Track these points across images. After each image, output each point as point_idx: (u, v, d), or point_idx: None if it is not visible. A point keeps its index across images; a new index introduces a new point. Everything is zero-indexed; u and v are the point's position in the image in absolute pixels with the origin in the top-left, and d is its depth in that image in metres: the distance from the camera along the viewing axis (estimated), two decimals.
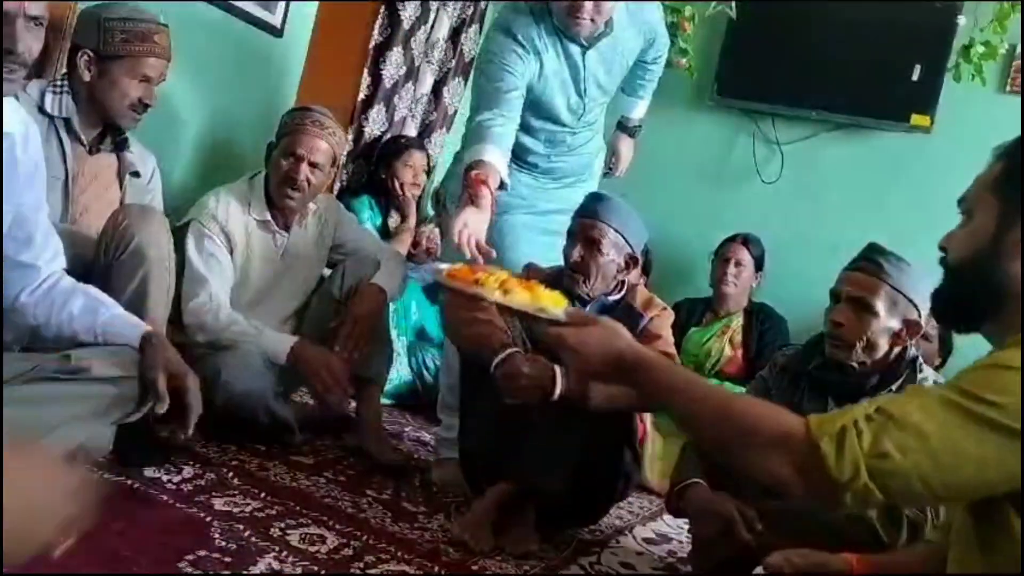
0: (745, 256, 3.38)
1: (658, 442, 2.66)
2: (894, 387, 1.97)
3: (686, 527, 2.18)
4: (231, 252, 2.43)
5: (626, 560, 2.18)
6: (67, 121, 2.15)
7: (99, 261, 2.03)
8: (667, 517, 2.50)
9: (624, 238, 2.25)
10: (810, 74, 3.70)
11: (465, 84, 4.11)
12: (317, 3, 3.33)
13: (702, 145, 3.98)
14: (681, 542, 2.40)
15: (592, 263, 2.25)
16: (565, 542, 2.15)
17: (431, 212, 3.77)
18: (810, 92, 3.70)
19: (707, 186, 3.95)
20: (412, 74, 3.77)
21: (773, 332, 3.29)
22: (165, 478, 1.97)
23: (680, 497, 1.93)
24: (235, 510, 1.88)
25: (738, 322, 3.34)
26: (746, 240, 3.42)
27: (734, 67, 3.82)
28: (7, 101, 1.61)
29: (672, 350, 2.24)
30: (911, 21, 3.54)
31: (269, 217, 2.48)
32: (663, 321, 2.29)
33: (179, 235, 2.39)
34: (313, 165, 2.44)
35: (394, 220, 3.50)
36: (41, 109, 2.12)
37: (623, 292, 2.32)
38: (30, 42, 1.48)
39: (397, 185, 3.50)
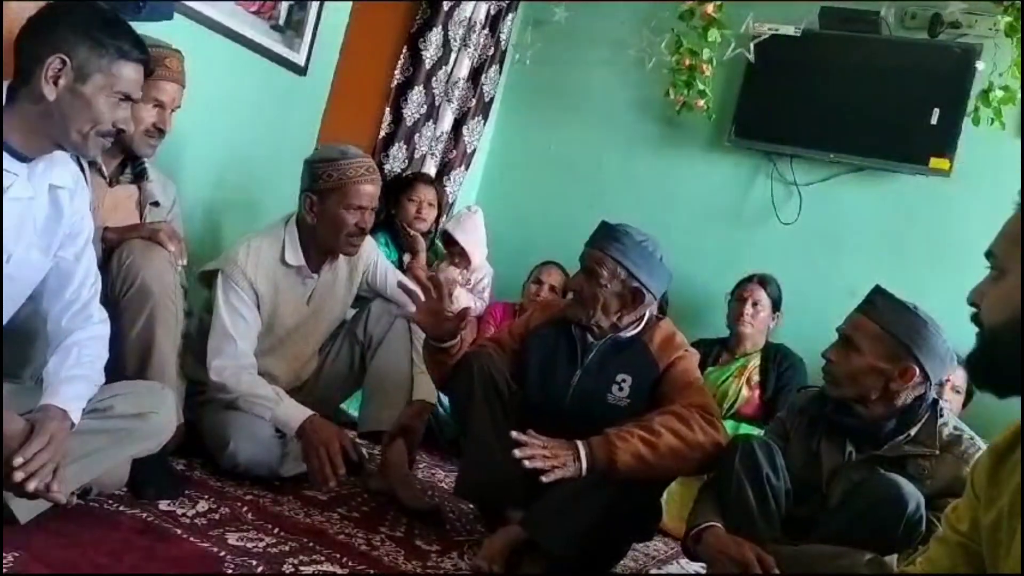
0: (762, 296, 3.37)
1: (674, 485, 2.63)
2: (912, 432, 1.95)
3: (703, 570, 2.15)
4: (258, 307, 2.41)
5: None
6: None
7: (108, 297, 2.04)
8: (684, 560, 2.47)
9: (627, 270, 2.21)
10: (828, 116, 3.70)
11: (484, 124, 4.16)
12: (340, 42, 3.39)
13: (720, 186, 3.98)
14: None
15: (590, 293, 2.24)
16: None
17: (443, 249, 3.79)
18: (828, 134, 3.70)
19: (725, 226, 3.94)
20: (432, 113, 3.82)
21: (791, 373, 3.26)
22: (180, 511, 1.96)
23: (697, 540, 1.91)
24: (249, 545, 1.87)
25: (755, 363, 3.32)
26: (763, 280, 3.41)
27: (752, 108, 3.84)
28: (63, 155, 1.67)
29: (706, 398, 2.17)
30: (929, 65, 3.55)
31: (304, 262, 2.47)
32: (688, 364, 2.24)
33: (207, 278, 2.42)
34: (372, 211, 2.46)
35: (408, 257, 3.51)
36: None
37: (640, 328, 2.30)
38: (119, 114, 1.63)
39: (401, 221, 3.51)
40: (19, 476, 1.48)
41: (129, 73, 1.62)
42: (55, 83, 1.56)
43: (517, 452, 1.90)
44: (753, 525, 1.88)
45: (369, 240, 2.67)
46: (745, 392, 3.26)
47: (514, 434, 1.93)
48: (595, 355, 2.26)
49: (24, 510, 1.59)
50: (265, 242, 2.43)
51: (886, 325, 1.94)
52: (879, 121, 3.62)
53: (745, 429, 2.97)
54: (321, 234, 2.44)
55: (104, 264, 2.07)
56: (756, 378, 3.28)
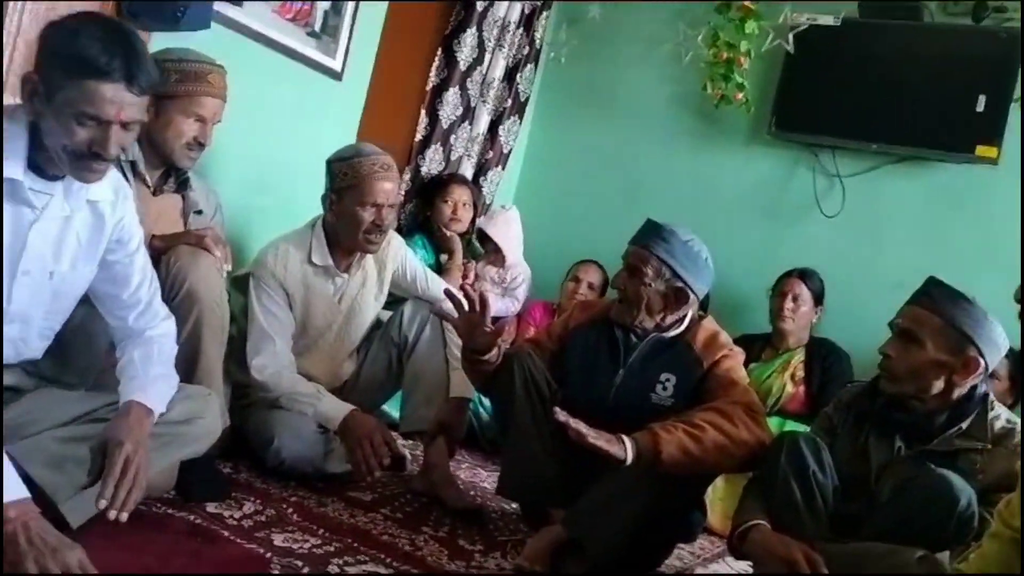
0: (803, 291, 3.31)
1: (719, 482, 2.61)
2: (964, 425, 1.91)
3: (750, 569, 2.13)
4: (290, 307, 2.46)
5: None
6: (133, 164, 2.22)
7: None
8: (729, 559, 2.44)
9: (671, 268, 2.19)
10: (871, 106, 3.63)
11: (520, 123, 4.15)
12: (376, 47, 3.41)
13: (760, 179, 3.93)
14: None
15: (633, 291, 2.22)
16: None
17: (480, 248, 3.80)
18: (871, 124, 3.64)
19: (766, 221, 3.89)
20: (468, 114, 3.83)
21: (836, 368, 3.21)
22: (226, 514, 1.99)
23: (743, 539, 1.88)
24: (295, 546, 1.89)
25: (799, 358, 3.27)
26: (803, 274, 3.36)
27: (792, 100, 3.78)
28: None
29: (750, 396, 2.14)
30: (974, 50, 3.47)
31: (331, 262, 2.50)
32: (733, 363, 2.22)
33: (240, 283, 2.46)
34: (390, 207, 2.48)
35: (445, 257, 3.52)
36: None
37: (683, 328, 2.28)
38: (123, 142, 1.55)
39: (437, 223, 3.52)
40: (111, 515, 1.52)
41: (92, 92, 1.47)
42: (31, 102, 1.51)
43: (561, 416, 1.88)
44: (800, 523, 1.85)
45: (397, 239, 2.70)
46: (790, 388, 3.21)
47: (556, 409, 1.91)
48: (638, 355, 2.24)
49: (75, 515, 1.62)
50: (293, 244, 2.48)
51: (948, 317, 1.90)
52: (923, 109, 3.54)
53: (790, 426, 2.92)
54: (341, 232, 2.47)
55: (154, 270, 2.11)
56: (801, 374, 3.23)
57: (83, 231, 1.69)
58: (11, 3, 2.24)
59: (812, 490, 1.88)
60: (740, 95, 3.80)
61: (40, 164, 1.56)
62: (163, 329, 1.83)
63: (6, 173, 1.52)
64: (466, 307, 2.16)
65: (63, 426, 1.69)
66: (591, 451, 1.89)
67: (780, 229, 3.86)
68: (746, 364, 3.08)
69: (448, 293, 2.22)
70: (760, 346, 3.36)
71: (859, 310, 3.38)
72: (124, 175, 2.20)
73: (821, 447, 1.93)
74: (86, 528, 1.63)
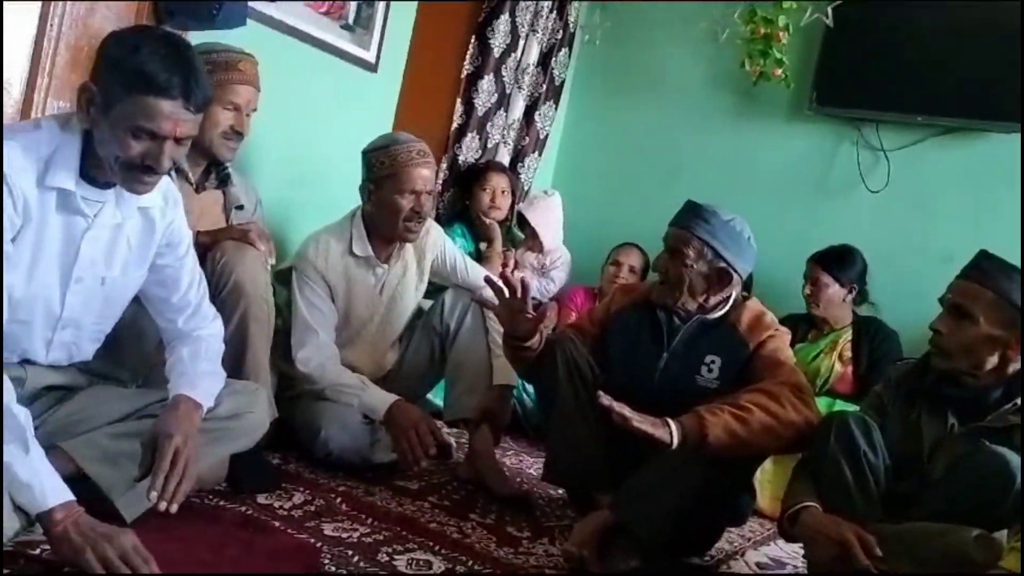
0: (822, 275, 3.21)
1: (768, 464, 2.58)
2: (1019, 400, 1.86)
3: (801, 552, 2.10)
4: (332, 299, 2.48)
5: None
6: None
7: None
8: (780, 542, 2.42)
9: (713, 249, 2.16)
10: (914, 77, 3.54)
11: (556, 108, 4.13)
12: (409, 37, 3.41)
13: (803, 156, 3.86)
14: (796, 567, 2.32)
15: (675, 274, 2.20)
16: (673, 567, 2.11)
17: (520, 235, 3.79)
18: (915, 96, 3.54)
19: (810, 198, 3.83)
20: (504, 101, 3.82)
21: (885, 346, 3.14)
22: (277, 504, 2.02)
23: (793, 521, 1.86)
24: (344, 535, 1.91)
25: (846, 337, 3.21)
26: (822, 259, 3.24)
27: (833, 74, 3.70)
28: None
29: (797, 376, 2.10)
30: (1019, 17, 3.36)
31: (372, 253, 2.52)
32: (779, 343, 2.18)
33: (283, 276, 2.48)
34: (428, 194, 2.48)
35: (484, 245, 3.52)
36: None
37: (727, 308, 2.25)
38: (175, 156, 1.57)
39: (476, 211, 3.52)
40: (162, 506, 1.56)
41: (151, 108, 1.49)
42: (87, 111, 1.53)
43: (604, 400, 1.87)
44: (851, 504, 1.82)
45: (436, 228, 2.70)
46: (838, 368, 3.15)
47: (600, 393, 1.90)
48: (682, 337, 2.22)
49: (130, 509, 1.66)
50: (333, 236, 2.50)
51: (1000, 290, 1.85)
52: (968, 79, 3.45)
53: (839, 406, 2.88)
54: (381, 222, 2.49)
55: (200, 266, 2.15)
56: (848, 353, 3.18)
57: (134, 236, 1.72)
58: (50, 8, 2.27)
59: (863, 470, 1.85)
60: (779, 71, 3.74)
61: (92, 173, 1.59)
62: (211, 330, 1.87)
63: (59, 183, 1.55)
64: (507, 294, 2.15)
65: (115, 423, 1.73)
66: (636, 435, 1.88)
67: (824, 206, 3.79)
68: (792, 344, 3.05)
69: (488, 280, 2.22)
70: (806, 326, 3.31)
71: (908, 286, 3.31)
72: (168, 175, 2.24)
73: (871, 426, 1.90)
74: (140, 522, 1.66)
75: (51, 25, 2.29)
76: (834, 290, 3.21)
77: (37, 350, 1.68)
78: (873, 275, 3.33)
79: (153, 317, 1.84)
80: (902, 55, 3.58)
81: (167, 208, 1.76)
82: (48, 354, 1.70)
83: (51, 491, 1.44)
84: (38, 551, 1.52)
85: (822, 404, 2.72)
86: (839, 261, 3.24)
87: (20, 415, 1.46)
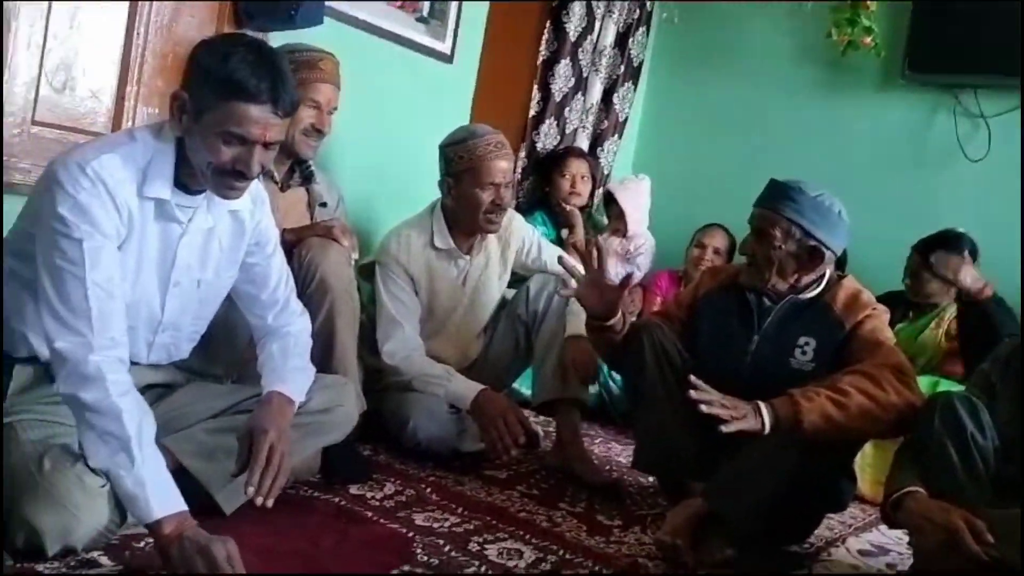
0: (923, 272, 3.05)
1: (868, 448, 2.48)
2: None
3: (905, 538, 2.02)
4: (416, 292, 2.50)
5: (840, 573, 2.05)
6: None
7: None
8: (883, 528, 2.33)
9: (802, 227, 2.08)
10: (1012, 39, 3.35)
11: (635, 89, 4.06)
12: (483, 26, 3.40)
13: (897, 127, 3.70)
14: (901, 554, 2.23)
15: (763, 256, 2.13)
16: (771, 555, 2.05)
17: (604, 221, 3.74)
18: (1014, 58, 3.36)
19: (906, 171, 3.67)
20: (581, 85, 3.78)
21: (994, 322, 2.97)
22: (369, 495, 2.05)
23: (897, 507, 1.78)
24: (435, 525, 1.93)
25: (951, 313, 3.04)
26: (926, 250, 3.07)
27: (926, 40, 3.53)
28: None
29: (898, 357, 2.01)
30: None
31: (453, 245, 2.53)
32: (877, 323, 2.09)
33: (366, 271, 2.52)
34: (508, 186, 2.48)
35: (566, 232, 3.50)
36: None
37: (821, 288, 2.17)
38: (264, 161, 1.60)
39: (556, 198, 3.49)
40: (258, 501, 1.58)
41: (240, 113, 1.51)
42: (180, 119, 1.56)
43: (693, 393, 1.83)
44: (959, 488, 1.73)
45: (519, 219, 2.70)
46: (944, 346, 3.01)
47: (692, 378, 1.86)
48: (773, 319, 2.16)
49: (228, 503, 1.70)
50: (414, 230, 2.52)
51: None
52: None
53: (944, 386, 2.74)
54: (461, 215, 2.49)
55: (287, 263, 2.19)
56: (955, 330, 3.02)
57: (225, 239, 1.76)
58: (136, 17, 2.35)
59: (970, 453, 1.76)
60: (868, 39, 3.59)
61: (184, 180, 1.63)
62: (300, 325, 1.90)
63: (156, 193, 1.59)
64: (581, 269, 2.13)
65: (212, 418, 1.78)
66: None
67: (921, 178, 3.63)
68: (893, 324, 2.92)
69: (562, 261, 2.21)
70: (907, 305, 3.17)
71: (1013, 256, 3.14)
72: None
73: (979, 407, 1.80)
74: (239, 513, 1.71)
75: (137, 34, 2.36)
76: (934, 286, 3.05)
77: (139, 352, 1.73)
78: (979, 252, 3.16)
79: (244, 314, 1.89)
80: (998, 16, 3.39)
81: (255, 209, 1.80)
82: (149, 355, 1.76)
83: (156, 503, 1.44)
84: (143, 544, 1.58)
85: (925, 384, 2.60)
86: (954, 244, 3.04)
87: (130, 424, 1.46)
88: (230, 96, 1.51)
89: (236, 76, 1.51)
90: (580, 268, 2.17)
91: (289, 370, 1.80)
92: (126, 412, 1.47)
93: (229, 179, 1.58)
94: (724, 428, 1.82)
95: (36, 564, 1.44)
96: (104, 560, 1.49)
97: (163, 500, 1.46)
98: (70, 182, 1.50)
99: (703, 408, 1.82)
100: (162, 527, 1.44)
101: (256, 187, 1.82)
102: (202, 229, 1.70)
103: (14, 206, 1.65)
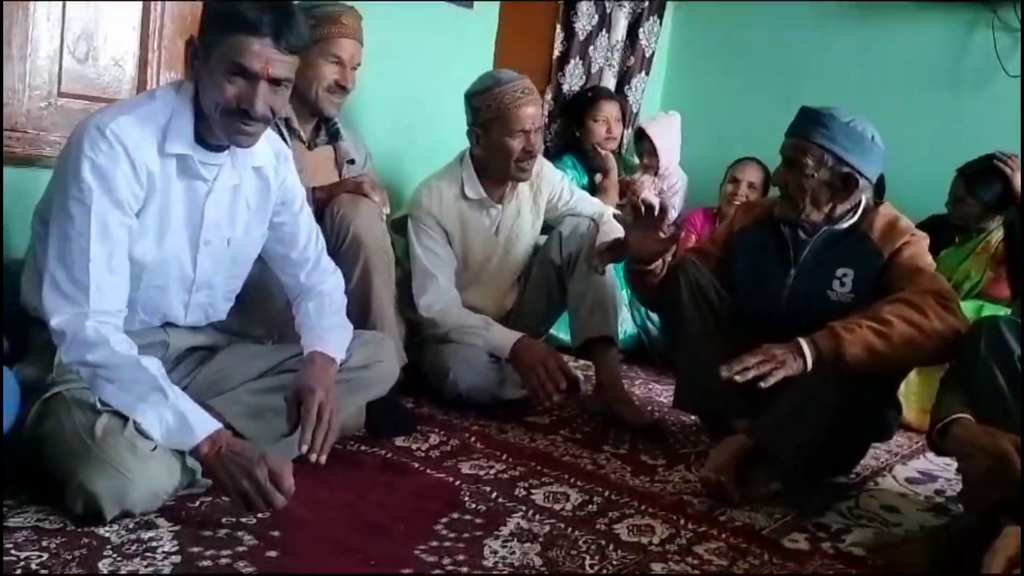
0: (966, 197, 2.97)
1: (913, 376, 2.45)
2: None
3: (954, 465, 2.01)
4: (449, 243, 2.50)
5: (888, 503, 2.05)
6: (287, 120, 2.29)
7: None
8: (929, 454, 2.32)
9: (834, 154, 2.04)
10: None
11: (660, 23, 3.97)
12: None
13: (931, 46, 3.58)
14: (949, 480, 2.22)
15: (796, 186, 2.09)
16: (817, 487, 2.05)
17: (635, 160, 3.70)
18: None
19: (942, 91, 3.55)
20: (605, 22, 3.69)
21: None
22: (415, 446, 2.08)
23: (944, 435, 1.76)
24: (481, 473, 1.95)
25: (997, 236, 2.96)
26: (970, 177, 2.98)
27: None
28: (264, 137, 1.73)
29: (940, 283, 1.98)
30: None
31: (485, 194, 2.51)
32: (917, 249, 2.05)
33: (398, 225, 2.51)
34: (537, 131, 2.45)
35: (599, 177, 3.45)
36: None
37: (857, 217, 2.12)
38: (272, 102, 1.59)
39: (591, 143, 3.45)
40: (312, 457, 1.64)
41: (241, 45, 1.52)
42: (192, 65, 1.59)
43: (724, 372, 1.81)
44: (1007, 413, 1.70)
45: (548, 165, 2.67)
46: (990, 271, 2.94)
47: (723, 370, 1.83)
48: (810, 251, 2.13)
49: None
50: (444, 181, 2.50)
51: None
52: None
53: (988, 310, 2.69)
54: (492, 164, 2.47)
55: (318, 222, 2.20)
56: (1002, 253, 2.94)
57: (251, 197, 1.77)
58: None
59: (1018, 377, 1.73)
60: None
61: (205, 135, 1.64)
62: (332, 283, 1.92)
63: (177, 149, 1.60)
64: (643, 213, 2.12)
65: (256, 379, 1.81)
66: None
67: (959, 97, 3.52)
68: (937, 249, 2.86)
69: (617, 217, 2.20)
70: (950, 229, 3.09)
71: None
72: (280, 133, 2.29)
73: None
74: None
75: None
76: (976, 210, 2.98)
77: (177, 313, 1.76)
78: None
79: (276, 275, 1.90)
80: None
81: (279, 166, 1.81)
82: (187, 316, 1.78)
83: (198, 426, 1.53)
84: (197, 503, 1.62)
85: (970, 309, 2.55)
86: (986, 182, 2.97)
87: (151, 366, 1.54)
88: (233, 30, 1.53)
89: (239, 9, 1.53)
90: (641, 210, 2.15)
91: (327, 328, 1.82)
92: (142, 359, 1.54)
93: (236, 120, 1.58)
94: (764, 384, 1.80)
95: (96, 528, 1.48)
96: (161, 521, 1.53)
97: (202, 422, 1.54)
98: (89, 145, 1.53)
99: (738, 380, 1.80)
100: (202, 447, 1.52)
101: (279, 144, 1.83)
102: (228, 187, 1.71)
103: (47, 181, 1.66)
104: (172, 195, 1.64)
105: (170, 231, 1.66)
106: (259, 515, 1.56)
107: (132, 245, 1.60)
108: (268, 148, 1.78)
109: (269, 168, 1.78)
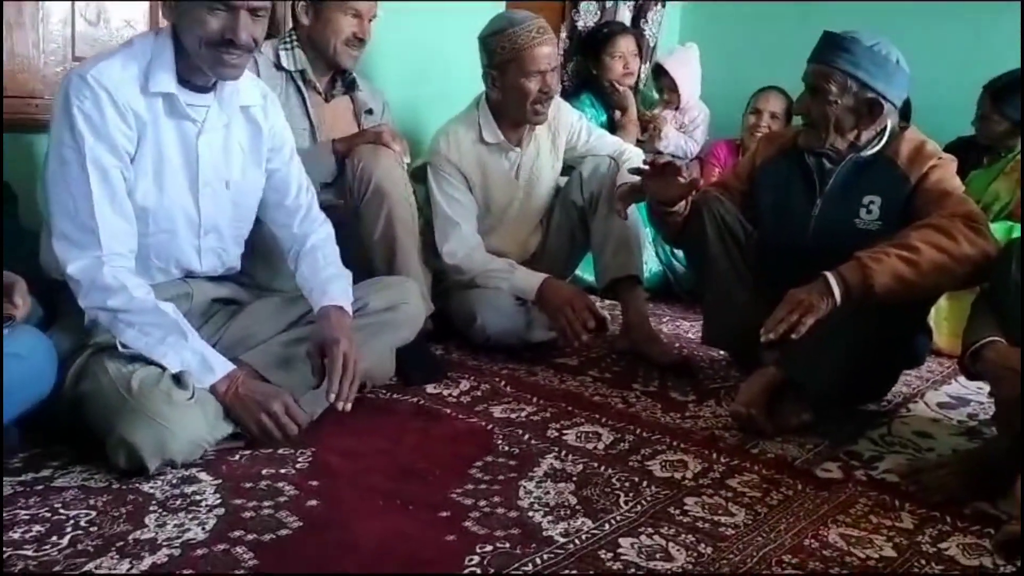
0: (992, 114, 2.89)
1: (943, 301, 2.43)
2: None
3: (986, 388, 2.00)
4: (470, 189, 2.48)
5: (920, 429, 2.05)
6: (302, 73, 2.29)
7: (349, 204, 2.18)
8: (961, 379, 2.31)
9: (858, 79, 1.99)
10: None
11: None
12: None
13: None
14: (981, 403, 2.21)
15: (819, 113, 2.05)
16: (848, 416, 2.05)
17: (654, 95, 3.64)
18: None
19: (964, 9, 3.45)
20: None
21: None
22: (446, 392, 2.10)
23: (976, 358, 1.75)
24: (512, 416, 1.97)
25: None
26: (996, 92, 2.90)
27: None
28: (246, 76, 1.75)
29: (968, 205, 1.94)
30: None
31: (503, 138, 2.49)
32: (944, 173, 2.00)
33: (419, 174, 2.50)
34: (553, 71, 2.41)
35: (618, 114, 3.41)
36: (278, 66, 2.27)
37: (883, 143, 2.08)
38: (253, 32, 1.62)
39: (608, 80, 3.39)
40: (339, 405, 1.70)
41: None
42: (168, 6, 1.63)
43: (763, 338, 1.80)
44: None
45: (565, 106, 2.64)
46: (1018, 192, 2.89)
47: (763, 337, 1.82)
48: (835, 180, 2.09)
49: (312, 408, 1.76)
50: (461, 127, 2.48)
51: None
52: None
53: (1020, 231, 2.65)
54: (509, 107, 2.44)
55: (340, 173, 2.20)
56: None
57: (243, 139, 1.80)
58: None
59: None
60: None
61: (187, 76, 1.67)
62: (323, 233, 1.93)
63: (161, 87, 1.63)
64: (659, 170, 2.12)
65: (284, 331, 1.84)
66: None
67: (981, 14, 3.41)
68: (965, 171, 2.80)
69: (634, 170, 2.19)
70: (978, 150, 3.03)
71: None
72: (296, 86, 2.28)
73: None
74: (324, 420, 1.78)
75: None
76: (1003, 128, 2.91)
77: (191, 260, 1.79)
78: None
79: (271, 227, 1.91)
80: None
81: (267, 107, 1.84)
82: (202, 262, 1.81)
83: (217, 364, 1.64)
84: (238, 456, 1.66)
85: (1000, 230, 2.52)
86: (1014, 98, 2.88)
87: (169, 309, 1.63)
88: None
89: None
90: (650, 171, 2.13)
91: (326, 281, 1.85)
92: (160, 303, 1.62)
93: (221, 52, 1.61)
94: (796, 336, 1.79)
95: (141, 484, 1.52)
96: (204, 476, 1.57)
97: (220, 362, 1.65)
98: (74, 93, 1.58)
99: (772, 338, 1.80)
100: (220, 385, 1.63)
101: (265, 87, 1.86)
102: (218, 127, 1.74)
103: None
104: (164, 136, 1.67)
105: (168, 173, 1.69)
106: (297, 465, 1.60)
107: (133, 189, 1.64)
108: (254, 87, 1.81)
109: (257, 108, 1.81)
